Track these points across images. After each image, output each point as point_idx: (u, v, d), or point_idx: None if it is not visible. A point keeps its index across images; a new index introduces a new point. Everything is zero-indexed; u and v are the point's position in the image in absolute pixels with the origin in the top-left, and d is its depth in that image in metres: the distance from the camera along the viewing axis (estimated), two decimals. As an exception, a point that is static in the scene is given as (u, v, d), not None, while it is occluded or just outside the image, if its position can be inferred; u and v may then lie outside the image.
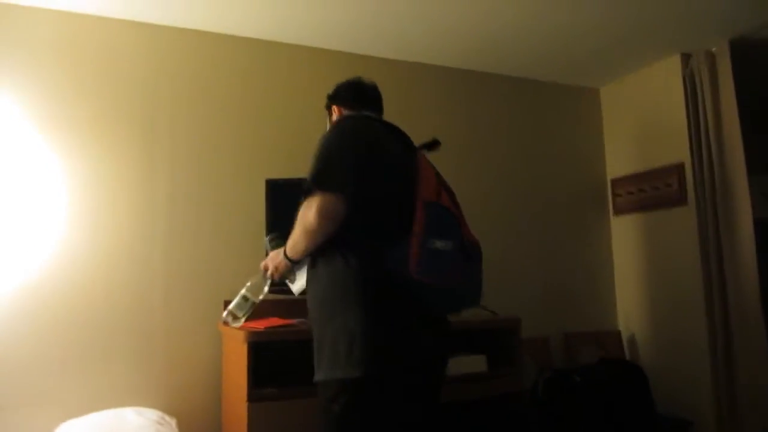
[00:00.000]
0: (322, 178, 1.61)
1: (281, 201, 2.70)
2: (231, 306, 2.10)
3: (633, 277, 3.66)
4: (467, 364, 2.55)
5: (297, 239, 1.69)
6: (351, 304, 1.59)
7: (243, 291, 2.07)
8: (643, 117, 3.63)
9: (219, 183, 2.84)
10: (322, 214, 1.58)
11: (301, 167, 2.82)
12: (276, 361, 2.35)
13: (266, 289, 2.01)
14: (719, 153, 3.16)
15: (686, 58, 3.36)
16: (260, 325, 2.35)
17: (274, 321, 2.42)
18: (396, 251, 1.57)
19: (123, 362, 2.57)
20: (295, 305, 2.71)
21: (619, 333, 3.64)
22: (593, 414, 2.93)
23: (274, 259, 1.85)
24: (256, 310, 2.66)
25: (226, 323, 2.18)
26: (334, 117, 1.95)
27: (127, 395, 2.53)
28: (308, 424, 2.16)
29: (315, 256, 1.71)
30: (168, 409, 2.51)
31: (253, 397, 2.18)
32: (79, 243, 2.56)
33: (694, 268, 3.23)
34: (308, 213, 1.60)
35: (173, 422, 2.39)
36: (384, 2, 2.70)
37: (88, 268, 2.56)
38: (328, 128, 1.89)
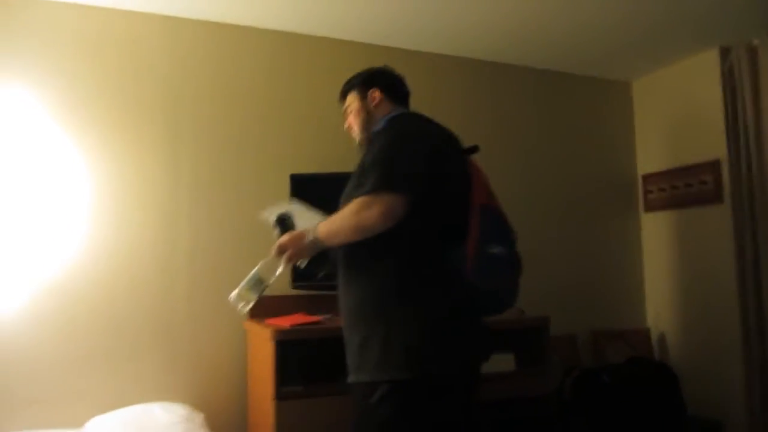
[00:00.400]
0: (389, 179, 1.58)
1: (305, 196, 2.66)
2: (241, 288, 1.78)
3: (664, 276, 3.58)
4: (495, 362, 2.50)
5: (343, 231, 1.63)
6: (406, 304, 1.59)
7: (255, 271, 1.80)
8: (678, 112, 3.53)
9: (242, 178, 2.83)
10: (386, 214, 1.56)
11: (325, 162, 2.84)
12: (301, 359, 2.34)
13: (280, 271, 1.80)
14: (758, 150, 3.06)
15: (725, 51, 3.24)
16: (285, 322, 2.34)
17: (300, 318, 2.41)
18: (453, 254, 1.60)
19: (149, 359, 2.58)
20: (320, 301, 2.70)
21: (648, 331, 3.57)
22: (622, 414, 2.88)
23: (298, 240, 1.71)
24: (281, 306, 2.68)
25: (236, 307, 1.82)
26: (373, 104, 1.86)
27: (154, 391, 2.54)
28: (334, 422, 2.16)
29: (361, 252, 1.66)
30: (195, 405, 2.51)
31: (279, 395, 2.18)
32: (103, 241, 2.56)
33: (728, 268, 3.15)
34: (369, 211, 1.56)
35: (200, 418, 2.39)
36: (413, -6, 2.64)
37: (112, 265, 2.56)
38: (358, 108, 1.88)
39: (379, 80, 1.90)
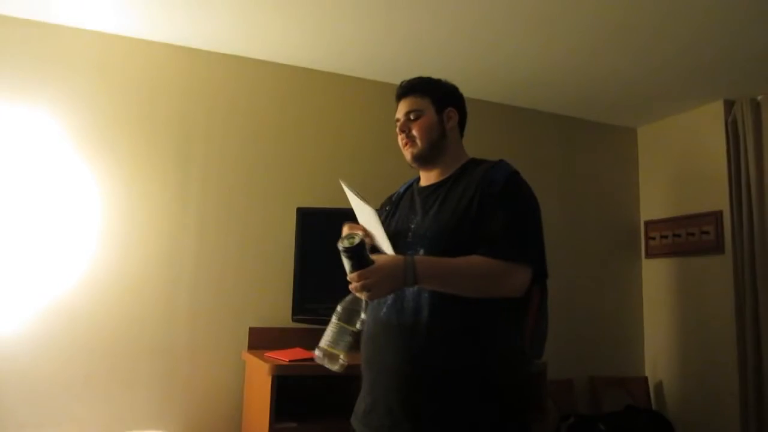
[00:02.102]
0: (532, 254, 1.48)
1: (312, 229, 2.69)
2: (326, 343, 1.44)
3: (663, 323, 3.57)
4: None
5: (462, 285, 1.43)
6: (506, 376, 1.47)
7: (335, 321, 1.46)
8: (682, 160, 3.57)
9: (249, 209, 2.84)
10: (520, 290, 1.44)
11: (332, 196, 2.84)
12: (297, 394, 2.33)
13: (363, 311, 1.46)
14: (759, 202, 3.09)
15: (729, 104, 3.30)
16: (284, 356, 2.33)
17: (299, 352, 2.39)
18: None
19: (146, 386, 2.57)
20: (318, 335, 2.68)
21: (645, 380, 3.55)
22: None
23: (389, 270, 1.38)
24: (279, 339, 2.67)
25: (326, 365, 1.45)
26: (449, 125, 1.63)
27: (148, 419, 2.52)
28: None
29: (473, 313, 1.45)
30: (188, 435, 2.50)
31: (274, 431, 2.16)
32: (109, 264, 2.57)
33: (728, 319, 3.15)
34: (507, 280, 1.43)
35: (193, 449, 2.37)
36: (426, 36, 2.69)
37: (116, 289, 2.57)
38: (433, 121, 1.61)
39: (458, 101, 1.68)
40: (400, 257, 1.40)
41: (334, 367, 1.41)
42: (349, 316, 1.43)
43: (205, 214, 2.76)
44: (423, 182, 1.68)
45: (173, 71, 2.80)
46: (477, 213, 1.46)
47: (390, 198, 1.78)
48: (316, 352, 1.42)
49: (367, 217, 1.51)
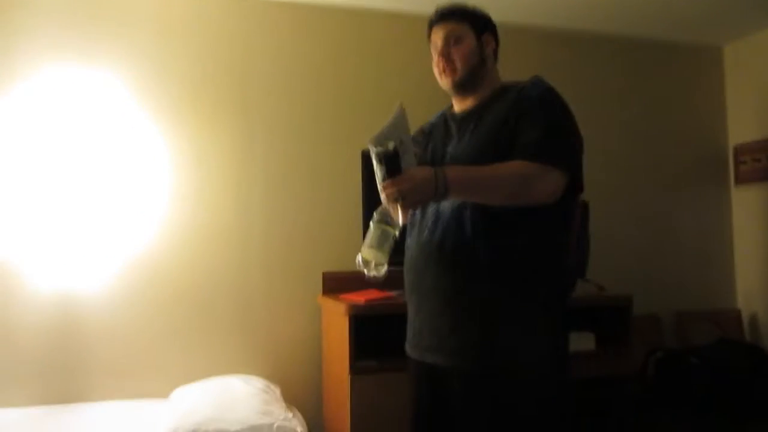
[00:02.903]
0: (568, 156, 1.45)
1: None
2: (369, 249, 1.40)
3: (757, 253, 3.35)
4: (575, 341, 2.41)
5: (495, 190, 1.41)
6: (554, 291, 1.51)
7: (376, 225, 1.41)
8: (774, 76, 3.27)
9: (315, 155, 2.84)
10: (555, 194, 1.42)
11: (397, 138, 2.80)
12: (375, 334, 2.34)
13: (401, 219, 1.39)
14: None
15: (831, 8, 2.97)
16: (360, 297, 2.35)
17: (373, 293, 2.40)
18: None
19: (228, 333, 2.66)
20: (390, 277, 2.67)
21: (739, 312, 3.37)
22: (709, 399, 2.72)
23: (421, 179, 1.34)
24: (351, 283, 2.68)
25: (372, 277, 1.45)
26: (488, 50, 1.60)
27: (234, 364, 2.62)
28: (407, 395, 2.15)
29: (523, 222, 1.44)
30: (272, 378, 2.57)
31: (354, 370, 2.19)
32: (182, 219, 2.64)
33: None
34: (541, 184, 1.40)
35: (277, 391, 2.44)
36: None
37: (191, 243, 2.64)
38: (472, 47, 1.57)
39: (494, 28, 1.66)
40: (429, 167, 1.39)
41: (381, 272, 1.39)
42: (388, 219, 1.40)
43: (271, 163, 2.78)
44: (457, 109, 1.66)
45: (232, 23, 2.79)
46: (513, 127, 1.46)
47: (422, 130, 1.75)
48: (360, 258, 1.40)
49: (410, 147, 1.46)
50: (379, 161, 1.33)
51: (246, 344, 2.67)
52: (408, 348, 1.62)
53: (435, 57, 1.63)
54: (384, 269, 1.39)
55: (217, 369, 2.57)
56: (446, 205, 1.48)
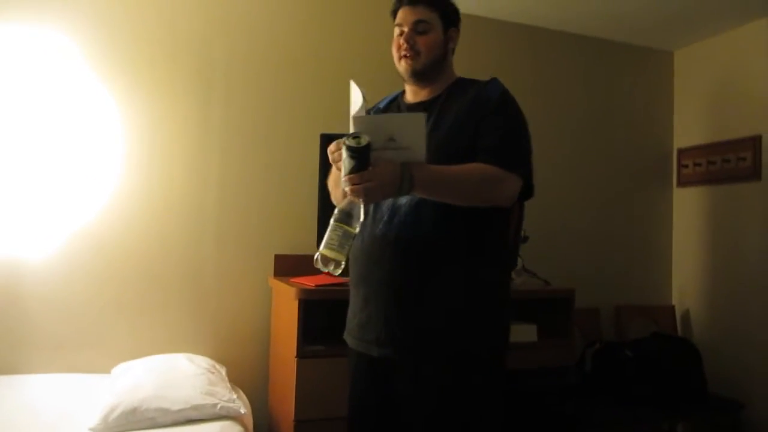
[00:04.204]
0: (523, 162, 1.51)
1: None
2: (328, 246, 1.36)
3: (692, 252, 3.51)
4: (517, 332, 2.50)
5: (457, 191, 1.43)
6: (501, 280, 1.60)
7: (336, 223, 1.38)
8: (720, 84, 3.40)
9: (273, 135, 2.81)
10: (512, 198, 1.50)
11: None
12: (323, 318, 2.35)
13: (362, 214, 1.39)
14: (802, 127, 2.95)
15: (775, 22, 3.11)
16: (310, 282, 2.35)
17: (323, 278, 2.41)
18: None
19: (176, 310, 2.62)
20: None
21: (672, 308, 3.53)
22: (643, 389, 2.86)
23: (386, 174, 1.33)
24: (303, 266, 2.67)
25: (326, 270, 1.40)
26: (451, 44, 1.63)
27: (179, 342, 2.59)
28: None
29: (473, 221, 1.49)
30: (218, 358, 2.56)
31: (302, 354, 2.20)
32: (134, 188, 2.58)
33: (761, 249, 3.08)
34: (500, 187, 1.45)
35: (223, 371, 2.43)
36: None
37: (143, 215, 2.58)
38: (438, 39, 1.58)
39: (458, 21, 1.66)
40: (397, 163, 1.36)
41: (337, 272, 1.38)
42: (349, 219, 1.38)
43: (228, 139, 2.74)
44: (410, 98, 1.66)
45: (192, -8, 2.71)
46: (472, 128, 1.49)
47: (369, 113, 1.71)
48: (318, 257, 1.37)
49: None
50: (350, 155, 1.31)
51: (193, 322, 2.64)
52: (350, 340, 1.63)
53: (397, 38, 1.61)
54: (342, 267, 1.39)
55: (162, 346, 2.54)
56: (403, 200, 1.50)
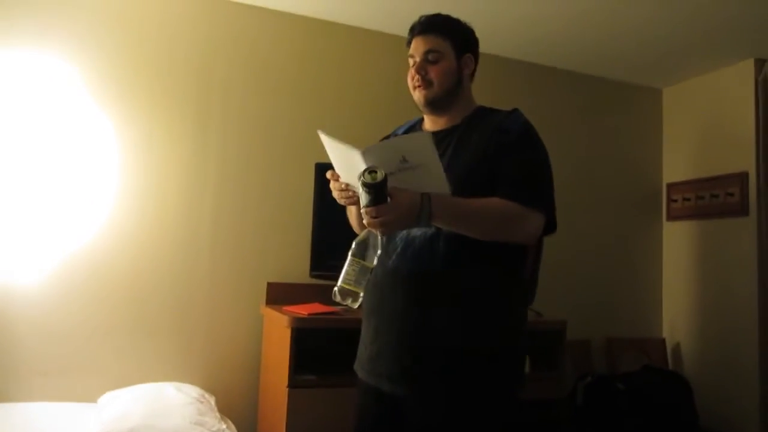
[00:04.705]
0: (547, 200, 1.48)
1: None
2: (346, 281, 1.38)
3: (682, 286, 3.54)
4: (509, 365, 2.49)
5: (476, 225, 1.40)
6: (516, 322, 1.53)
7: (353, 258, 1.40)
8: (708, 122, 3.48)
9: (269, 163, 2.82)
10: (534, 236, 1.46)
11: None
12: (316, 348, 2.34)
13: (380, 246, 1.39)
14: (788, 164, 3.01)
15: (760, 63, 3.20)
16: (303, 310, 2.34)
17: (317, 307, 2.40)
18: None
19: (166, 337, 2.59)
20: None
21: (663, 341, 3.54)
22: (634, 423, 2.85)
23: (404, 205, 1.31)
24: (298, 294, 2.67)
25: (344, 303, 1.41)
26: (467, 71, 1.59)
27: (168, 371, 2.55)
28: (345, 412, 2.15)
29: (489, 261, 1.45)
30: (207, 387, 2.52)
31: (293, 384, 2.18)
32: (128, 216, 2.57)
33: (749, 282, 3.11)
34: (522, 224, 1.42)
35: (212, 400, 2.40)
36: (448, -12, 2.61)
37: (136, 241, 2.57)
38: (452, 66, 1.54)
39: (475, 47, 1.61)
40: (416, 193, 1.33)
41: (355, 305, 1.38)
42: (365, 253, 1.38)
43: (224, 167, 2.75)
44: (429, 127, 1.62)
45: (191, 20, 2.75)
46: (492, 160, 1.44)
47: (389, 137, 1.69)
48: (337, 291, 1.37)
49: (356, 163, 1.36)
50: (367, 191, 1.30)
51: (183, 350, 2.61)
52: (360, 372, 1.58)
53: (411, 69, 1.57)
54: (360, 301, 1.38)
55: (151, 374, 2.50)
56: (417, 232, 1.46)
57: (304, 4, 2.85)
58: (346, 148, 1.34)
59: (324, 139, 1.40)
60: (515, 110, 1.55)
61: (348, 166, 1.38)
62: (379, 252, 1.38)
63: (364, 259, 1.37)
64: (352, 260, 1.37)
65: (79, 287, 2.47)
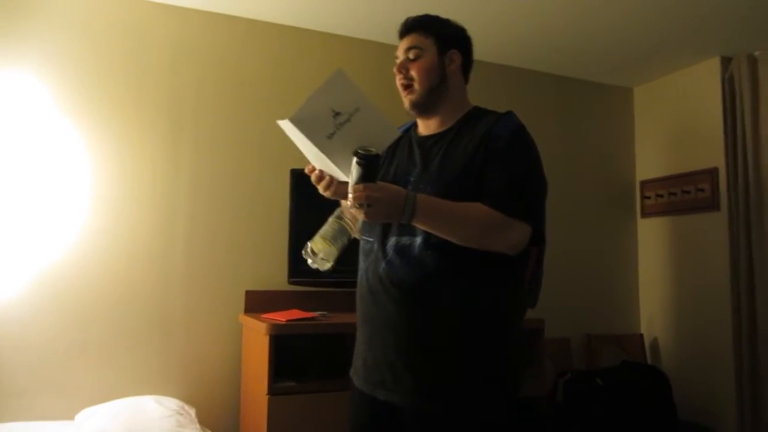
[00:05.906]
0: (532, 211, 1.43)
1: (306, 191, 2.65)
2: (320, 240, 1.34)
3: (658, 282, 3.59)
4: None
5: (458, 229, 1.37)
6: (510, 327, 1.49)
7: (335, 219, 1.38)
8: (678, 119, 3.54)
9: (243, 172, 2.81)
10: (517, 247, 1.40)
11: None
12: (296, 354, 2.34)
13: (360, 222, 1.38)
14: (755, 159, 3.07)
15: (726, 61, 3.26)
16: (281, 317, 2.33)
17: (295, 313, 2.40)
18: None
19: (143, 351, 2.56)
20: (314, 297, 2.69)
21: (641, 337, 3.58)
22: (614, 417, 2.88)
23: (394, 193, 1.32)
24: (276, 301, 2.66)
25: (313, 263, 1.40)
26: (451, 67, 1.55)
27: (146, 384, 2.53)
28: (326, 418, 2.16)
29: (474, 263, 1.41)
30: (187, 399, 2.50)
31: (273, 391, 2.17)
32: (101, 230, 2.54)
33: (722, 275, 3.17)
34: (504, 234, 1.38)
35: (192, 412, 2.38)
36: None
37: (110, 255, 2.54)
38: (433, 63, 1.52)
39: (463, 44, 1.58)
40: (403, 189, 1.35)
41: (325, 266, 1.33)
42: (350, 221, 1.35)
43: (197, 176, 2.73)
44: (422, 130, 1.60)
45: (161, 30, 2.73)
46: (480, 169, 1.42)
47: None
48: (309, 246, 1.33)
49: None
50: (360, 164, 1.27)
51: (161, 362, 2.58)
52: (356, 379, 1.56)
53: (395, 71, 1.55)
54: (328, 266, 1.33)
55: (129, 388, 2.47)
56: (407, 240, 1.44)
57: (275, 12, 2.85)
58: (291, 126, 1.31)
59: (283, 126, 1.37)
60: (508, 113, 1.52)
61: (308, 147, 1.36)
62: (359, 226, 1.35)
63: (346, 223, 1.34)
64: (333, 220, 1.34)
65: (52, 302, 2.44)
